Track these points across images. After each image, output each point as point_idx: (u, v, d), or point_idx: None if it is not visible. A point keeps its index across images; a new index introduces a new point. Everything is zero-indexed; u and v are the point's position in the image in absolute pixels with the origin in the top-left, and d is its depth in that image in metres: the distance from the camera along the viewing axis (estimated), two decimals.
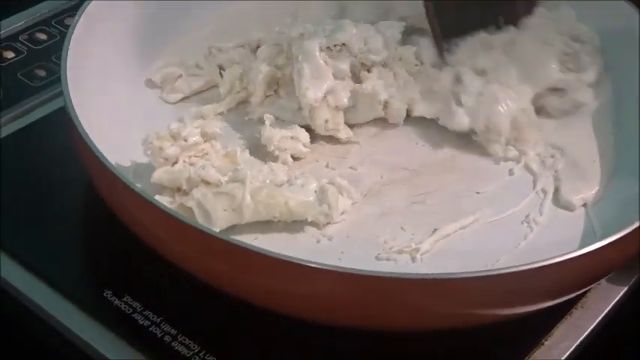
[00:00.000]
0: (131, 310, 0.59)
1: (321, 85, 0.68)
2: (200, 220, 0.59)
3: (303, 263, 0.52)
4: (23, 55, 0.78)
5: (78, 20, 0.66)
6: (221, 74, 0.73)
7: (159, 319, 0.59)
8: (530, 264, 0.52)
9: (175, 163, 0.63)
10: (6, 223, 0.64)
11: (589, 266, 0.56)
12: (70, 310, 0.59)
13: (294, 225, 0.62)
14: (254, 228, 0.61)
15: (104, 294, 0.60)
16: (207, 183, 0.61)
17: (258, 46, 0.74)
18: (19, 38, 0.80)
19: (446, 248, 0.62)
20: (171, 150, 0.62)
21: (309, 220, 0.62)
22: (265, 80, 0.70)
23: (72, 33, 0.65)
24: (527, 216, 0.65)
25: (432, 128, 0.71)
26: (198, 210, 0.60)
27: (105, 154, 0.57)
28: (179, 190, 0.62)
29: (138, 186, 0.55)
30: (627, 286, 0.63)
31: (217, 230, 0.59)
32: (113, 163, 0.57)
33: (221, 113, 0.71)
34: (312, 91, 0.68)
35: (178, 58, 0.74)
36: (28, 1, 0.84)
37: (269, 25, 0.76)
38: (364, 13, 0.77)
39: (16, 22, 0.81)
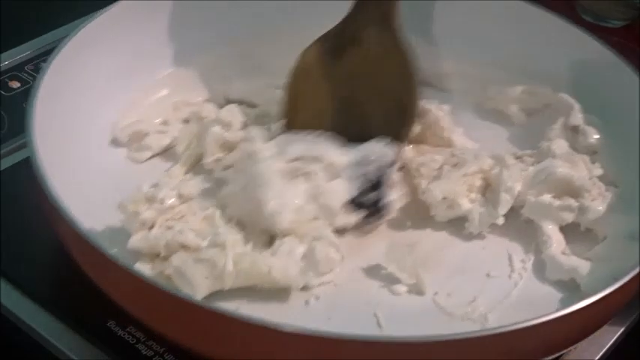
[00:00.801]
0: (135, 341, 0.59)
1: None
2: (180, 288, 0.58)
3: (286, 330, 0.50)
4: (29, 85, 0.78)
5: (42, 78, 0.65)
6: None
7: (162, 350, 0.59)
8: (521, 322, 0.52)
9: (152, 227, 0.61)
10: (7, 253, 0.64)
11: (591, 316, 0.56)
12: (74, 339, 0.59)
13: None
14: (238, 288, 0.60)
15: (108, 324, 0.60)
16: (186, 248, 0.59)
17: (228, 101, 0.74)
18: (25, 68, 0.80)
19: (436, 303, 0.61)
20: (147, 214, 0.61)
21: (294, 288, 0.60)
22: (217, 142, 0.69)
23: (36, 92, 0.64)
24: (514, 266, 0.64)
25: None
26: (178, 278, 0.58)
27: (79, 221, 0.55)
28: (157, 256, 0.60)
29: (116, 256, 0.54)
30: (632, 318, 0.63)
31: (199, 298, 0.57)
32: (86, 228, 0.56)
33: (186, 173, 0.69)
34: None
35: (144, 116, 0.73)
36: (33, 31, 0.84)
37: (233, 78, 0.76)
38: None
39: (22, 52, 0.82)
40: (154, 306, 0.55)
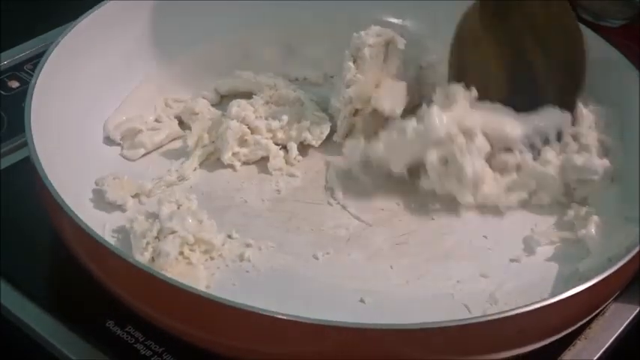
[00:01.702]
0: (133, 341, 0.59)
1: None
2: None
3: (273, 315, 0.51)
4: (28, 85, 0.78)
5: (37, 77, 0.65)
6: (180, 126, 0.73)
7: (161, 350, 0.59)
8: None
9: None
10: (7, 252, 0.64)
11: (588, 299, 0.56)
12: (73, 339, 0.59)
13: (279, 275, 0.62)
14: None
15: (106, 324, 0.60)
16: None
17: (222, 96, 0.75)
18: (24, 68, 0.80)
19: (437, 290, 0.62)
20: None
21: None
22: (235, 137, 0.70)
23: (32, 92, 0.64)
24: (513, 253, 0.65)
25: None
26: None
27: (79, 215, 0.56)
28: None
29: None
30: (631, 317, 0.63)
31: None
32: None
33: (195, 169, 0.70)
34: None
35: (136, 113, 0.73)
36: (32, 31, 0.84)
37: (222, 72, 0.76)
38: (316, 52, 0.79)
39: (21, 51, 0.82)
40: (155, 298, 0.55)
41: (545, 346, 0.58)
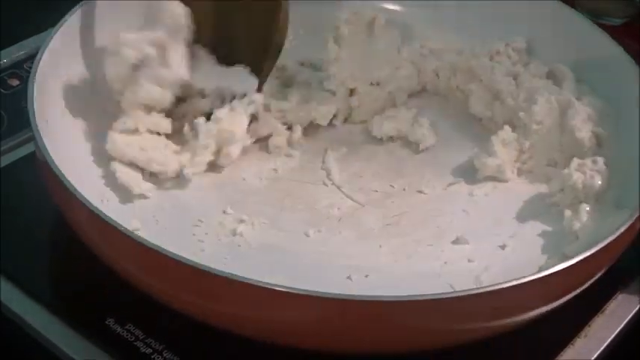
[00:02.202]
0: (133, 338, 0.59)
1: None
2: None
3: (273, 288, 0.51)
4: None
5: (36, 71, 0.65)
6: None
7: (161, 347, 0.59)
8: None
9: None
10: (7, 250, 0.64)
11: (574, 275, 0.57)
12: (73, 337, 0.59)
13: (270, 250, 0.62)
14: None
15: (106, 321, 0.60)
16: None
17: None
18: (24, 66, 0.80)
19: (424, 270, 0.62)
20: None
21: None
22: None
23: (32, 88, 0.64)
24: (501, 239, 0.65)
25: (400, 148, 0.72)
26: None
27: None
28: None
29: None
30: (630, 315, 0.63)
31: None
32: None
33: None
34: None
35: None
36: (32, 29, 0.84)
37: None
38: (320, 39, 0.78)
39: (21, 49, 0.82)
40: (166, 276, 0.55)
41: (545, 344, 0.58)
